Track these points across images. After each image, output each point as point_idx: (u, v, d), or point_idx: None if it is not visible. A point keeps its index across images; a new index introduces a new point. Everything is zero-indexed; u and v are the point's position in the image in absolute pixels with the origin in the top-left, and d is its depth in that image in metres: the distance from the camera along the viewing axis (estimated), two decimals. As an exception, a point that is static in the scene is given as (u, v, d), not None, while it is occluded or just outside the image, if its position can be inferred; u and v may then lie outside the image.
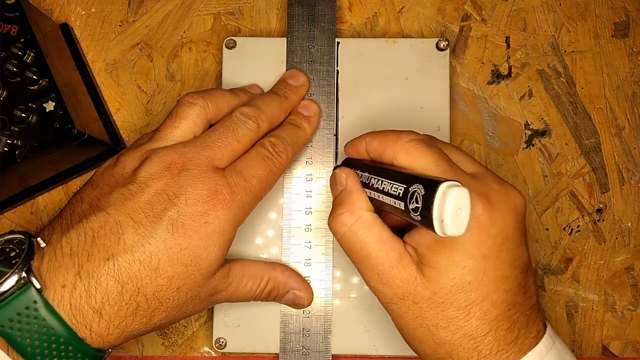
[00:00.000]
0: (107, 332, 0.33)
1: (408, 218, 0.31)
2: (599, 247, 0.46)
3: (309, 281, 0.43)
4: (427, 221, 0.30)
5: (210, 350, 0.45)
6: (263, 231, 0.44)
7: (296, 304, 0.43)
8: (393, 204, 0.33)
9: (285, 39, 0.45)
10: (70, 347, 0.32)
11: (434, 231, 0.29)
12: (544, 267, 0.46)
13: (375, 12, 0.48)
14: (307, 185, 0.44)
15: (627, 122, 0.46)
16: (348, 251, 0.36)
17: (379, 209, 0.36)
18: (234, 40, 0.46)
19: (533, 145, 0.46)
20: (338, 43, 0.46)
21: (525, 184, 0.46)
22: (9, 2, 0.41)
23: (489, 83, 0.47)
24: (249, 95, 0.42)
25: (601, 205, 0.46)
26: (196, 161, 0.36)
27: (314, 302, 0.43)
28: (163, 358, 0.45)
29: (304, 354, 0.43)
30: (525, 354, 0.33)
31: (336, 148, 0.45)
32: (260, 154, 0.38)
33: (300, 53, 0.45)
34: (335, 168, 0.44)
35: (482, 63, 0.47)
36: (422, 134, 0.36)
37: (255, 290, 0.40)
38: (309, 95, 0.44)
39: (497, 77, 0.47)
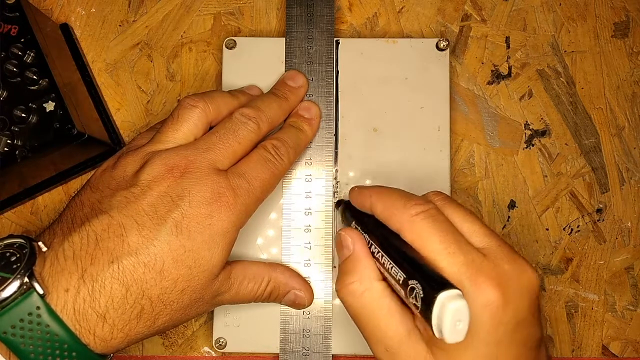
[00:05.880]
0: (110, 336, 0.33)
1: (409, 305, 0.31)
2: (599, 247, 0.46)
3: (308, 282, 0.43)
4: (427, 320, 0.29)
5: (210, 350, 0.45)
6: (263, 232, 0.44)
7: (297, 304, 0.43)
8: (394, 285, 0.32)
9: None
10: (74, 354, 0.32)
11: (433, 333, 0.29)
12: (544, 267, 0.46)
13: (375, 12, 0.48)
14: (307, 186, 0.44)
15: (627, 122, 0.47)
16: (356, 321, 0.35)
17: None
18: (234, 41, 0.46)
19: (533, 145, 0.46)
20: (338, 42, 0.46)
21: (525, 184, 0.46)
22: (9, 2, 0.41)
23: (489, 83, 0.47)
24: (248, 97, 0.42)
25: (601, 205, 0.46)
26: (198, 164, 0.36)
27: (314, 302, 0.43)
28: (163, 358, 0.45)
29: (304, 354, 0.43)
30: None
31: (336, 148, 0.45)
32: (263, 156, 0.38)
33: (299, 54, 0.45)
34: (338, 208, 0.43)
35: (482, 63, 0.47)
36: (433, 198, 0.35)
37: (257, 291, 0.40)
38: (308, 96, 0.44)
39: (497, 77, 0.47)
